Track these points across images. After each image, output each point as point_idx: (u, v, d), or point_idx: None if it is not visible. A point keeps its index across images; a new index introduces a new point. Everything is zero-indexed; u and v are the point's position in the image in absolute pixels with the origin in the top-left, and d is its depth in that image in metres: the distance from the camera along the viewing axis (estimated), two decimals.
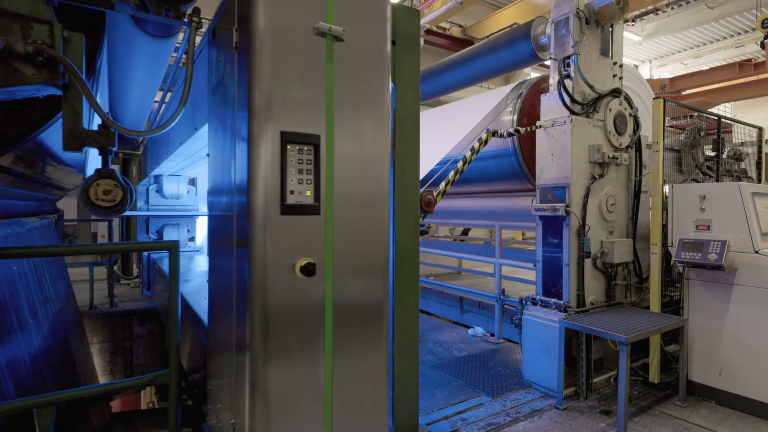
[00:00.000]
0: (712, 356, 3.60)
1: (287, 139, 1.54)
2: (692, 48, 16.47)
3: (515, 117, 4.43)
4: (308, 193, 1.57)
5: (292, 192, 1.55)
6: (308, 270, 1.54)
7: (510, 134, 3.83)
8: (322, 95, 1.61)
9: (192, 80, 1.80)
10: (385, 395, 1.82)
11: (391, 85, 2.68)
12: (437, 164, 4.04)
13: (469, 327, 5.67)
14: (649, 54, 17.30)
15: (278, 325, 1.53)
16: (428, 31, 12.08)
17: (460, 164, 3.63)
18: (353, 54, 1.71)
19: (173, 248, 2.01)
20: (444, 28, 12.66)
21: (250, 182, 1.50)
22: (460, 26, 12.84)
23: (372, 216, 1.74)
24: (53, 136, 2.09)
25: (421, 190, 2.91)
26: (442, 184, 3.53)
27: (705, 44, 16.13)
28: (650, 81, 13.57)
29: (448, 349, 4.93)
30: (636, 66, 17.86)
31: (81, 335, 5.16)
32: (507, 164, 4.58)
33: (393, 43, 2.57)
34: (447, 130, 4.42)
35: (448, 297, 6.73)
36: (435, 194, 3.18)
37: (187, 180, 7.08)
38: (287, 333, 1.54)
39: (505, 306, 5.08)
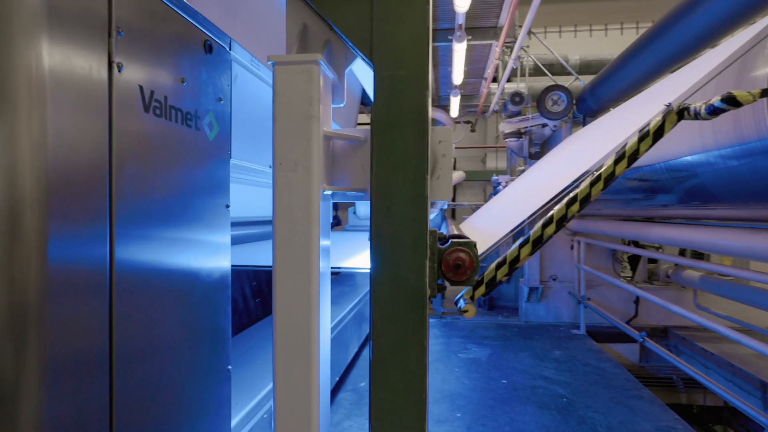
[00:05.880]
0: None
1: None
2: None
3: None
4: None
5: None
6: None
7: (716, 110, 1.79)
8: None
9: None
10: None
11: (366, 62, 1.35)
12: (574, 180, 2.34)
13: None
14: None
15: None
16: None
17: (585, 185, 1.77)
18: None
19: None
20: None
21: None
22: None
23: None
24: None
25: (442, 240, 1.32)
26: (538, 226, 1.71)
27: None
28: None
29: None
30: None
31: None
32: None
33: None
34: (638, 117, 2.53)
35: (739, 375, 4.48)
36: (475, 250, 1.76)
37: None
38: None
39: None
